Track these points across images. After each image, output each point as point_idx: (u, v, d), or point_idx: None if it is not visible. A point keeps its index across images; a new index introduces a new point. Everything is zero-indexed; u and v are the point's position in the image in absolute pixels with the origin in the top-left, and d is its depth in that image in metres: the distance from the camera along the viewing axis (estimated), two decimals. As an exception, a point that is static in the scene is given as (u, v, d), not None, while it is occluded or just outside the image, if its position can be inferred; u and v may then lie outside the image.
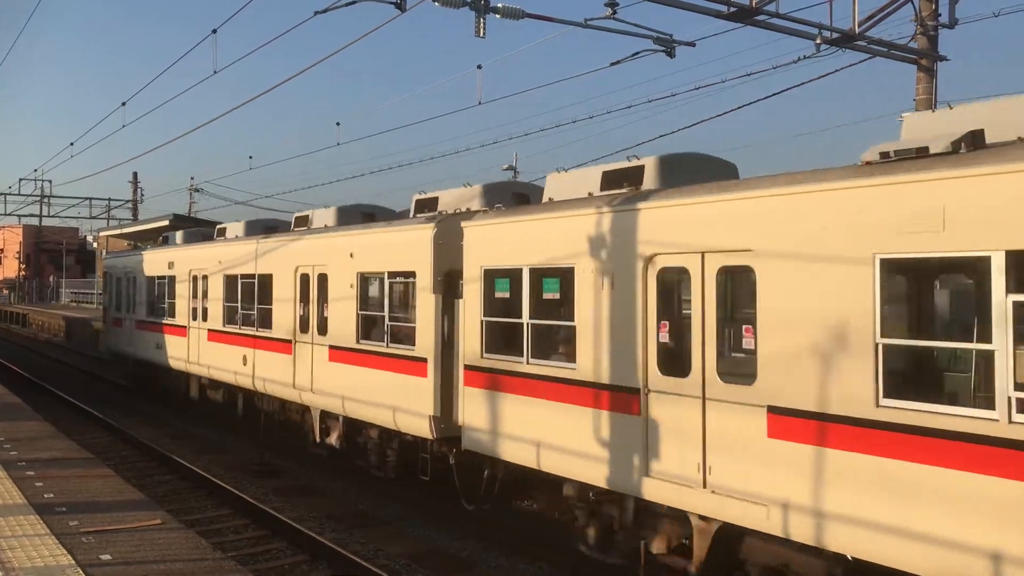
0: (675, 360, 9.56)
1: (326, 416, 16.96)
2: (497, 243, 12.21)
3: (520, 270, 11.75)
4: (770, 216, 8.55)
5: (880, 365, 7.47)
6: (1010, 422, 6.67)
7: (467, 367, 12.66)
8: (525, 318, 11.57)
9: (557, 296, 11.23)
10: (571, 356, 10.94)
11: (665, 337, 9.67)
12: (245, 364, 19.67)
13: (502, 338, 12.34)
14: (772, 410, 8.38)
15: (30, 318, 63.10)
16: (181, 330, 23.53)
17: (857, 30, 16.39)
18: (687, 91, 26.10)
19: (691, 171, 11.26)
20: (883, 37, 17.09)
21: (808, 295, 8.10)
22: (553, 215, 11.27)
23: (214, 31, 17.80)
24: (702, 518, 9.30)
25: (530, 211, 11.88)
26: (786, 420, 8.25)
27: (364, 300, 15.64)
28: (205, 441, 21.48)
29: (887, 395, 7.45)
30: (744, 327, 8.87)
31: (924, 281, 7.97)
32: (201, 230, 27.19)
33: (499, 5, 15.05)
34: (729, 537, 9.17)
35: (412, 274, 14.08)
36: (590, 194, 11.85)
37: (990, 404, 6.82)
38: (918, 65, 17.43)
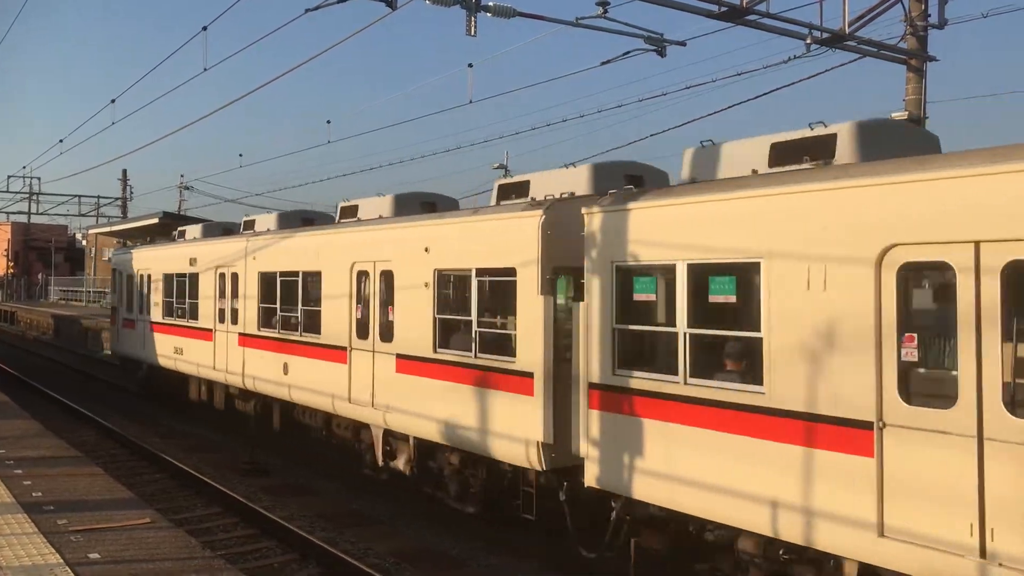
0: (929, 386, 7.26)
1: (391, 436, 14.61)
2: (637, 233, 9.88)
3: (672, 267, 9.44)
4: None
5: None
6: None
7: (593, 386, 10.34)
8: (681, 326, 9.25)
9: (732, 299, 8.92)
10: (751, 375, 8.65)
11: (911, 354, 7.36)
12: (286, 373, 17.29)
13: (644, 351, 10.05)
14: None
15: (18, 316, 62.87)
16: (205, 333, 21.13)
17: (847, 30, 16.36)
18: (677, 91, 26.55)
19: (894, 142, 9.00)
20: (873, 37, 17.10)
21: None
22: (726, 196, 8.94)
23: (204, 28, 17.66)
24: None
25: (687, 193, 9.53)
26: None
27: (442, 302, 13.31)
28: (195, 439, 21.08)
29: None
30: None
31: None
32: (222, 224, 24.82)
33: (490, 3, 14.65)
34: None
35: (510, 271, 11.74)
36: (754, 171, 9.56)
37: None
38: (908, 65, 17.41)
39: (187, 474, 16.70)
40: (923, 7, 17.21)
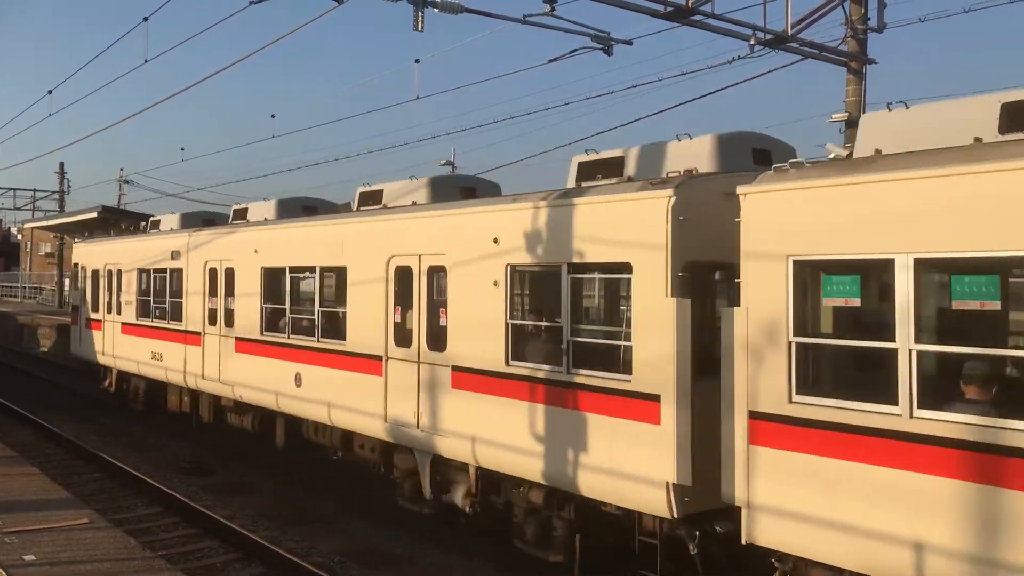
0: None
1: (442, 465, 12.18)
2: (831, 218, 7.60)
3: (887, 262, 7.17)
4: None
5: None
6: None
7: (757, 416, 8.05)
8: (904, 341, 6.99)
9: (996, 306, 6.69)
10: (1013, 407, 6.45)
11: None
12: (299, 385, 14.74)
13: (837, 372, 7.80)
14: None
15: (-52, 313, 58.76)
16: (192, 337, 18.42)
17: (790, 32, 16.49)
18: (624, 89, 26.29)
19: None
20: (815, 39, 17.35)
21: None
22: (993, 167, 6.66)
23: (145, 19, 16.93)
24: None
25: (917, 163, 7.22)
26: None
27: (516, 304, 10.92)
28: (135, 438, 20.62)
29: None
30: None
31: None
32: (201, 214, 22.11)
33: (437, -1, 14.21)
34: None
35: (621, 267, 9.40)
36: (977, 139, 7.36)
37: None
38: (848, 68, 17.64)
39: (127, 474, 16.30)
40: (863, 11, 17.42)
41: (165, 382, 19.95)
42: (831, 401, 7.54)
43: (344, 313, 13.83)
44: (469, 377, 11.35)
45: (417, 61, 21.44)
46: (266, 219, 17.33)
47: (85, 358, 24.88)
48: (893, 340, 7.06)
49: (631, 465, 9.18)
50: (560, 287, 10.12)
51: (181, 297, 18.98)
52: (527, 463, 10.44)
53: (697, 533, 8.99)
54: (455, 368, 11.60)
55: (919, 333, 6.95)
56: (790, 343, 7.81)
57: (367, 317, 13.24)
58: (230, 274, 17.15)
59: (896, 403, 7.05)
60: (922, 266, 6.95)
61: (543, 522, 10.81)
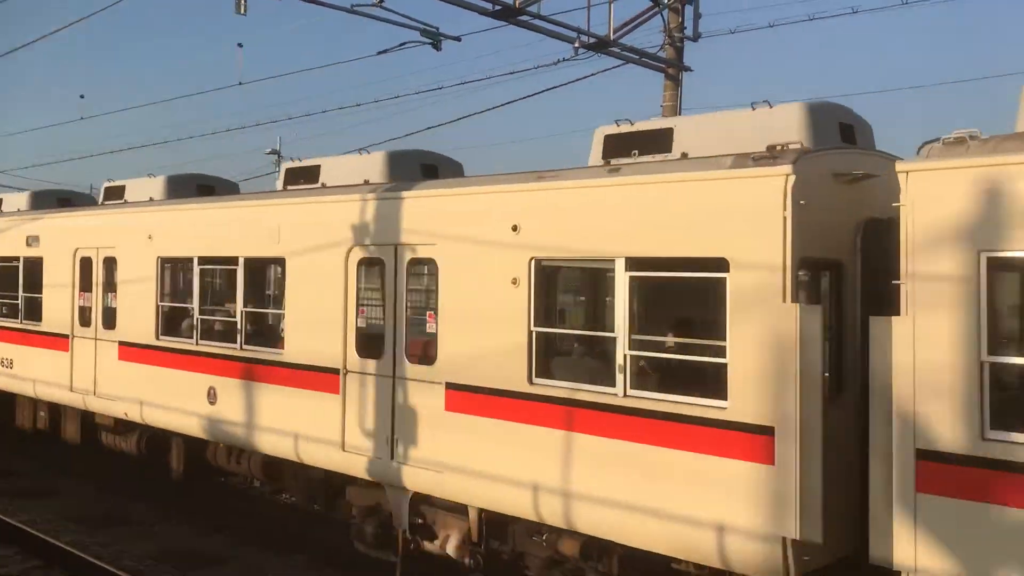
0: None
1: (425, 504, 9.85)
2: (1044, 205, 5.93)
3: None
4: None
5: None
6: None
7: (931, 457, 6.28)
8: None
9: None
10: None
11: None
12: (213, 402, 11.97)
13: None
14: None
15: None
16: (56, 341, 15.10)
17: (612, 37, 16.80)
18: (453, 85, 24.51)
19: None
20: (636, 45, 17.77)
21: None
22: None
23: None
24: None
25: None
26: None
27: (543, 309, 8.77)
28: None
29: None
30: None
31: None
32: (56, 192, 18.57)
33: (260, -20, 13.76)
34: None
35: (713, 264, 7.44)
36: None
37: None
38: (665, 74, 18.16)
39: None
40: (680, 20, 18.01)
41: (15, 394, 16.45)
42: (1044, 439, 5.87)
43: (281, 315, 11.22)
44: (472, 398, 9.10)
45: (240, 45, 22.19)
46: (152, 199, 14.32)
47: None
48: None
49: (728, 513, 7.24)
50: (614, 287, 8.07)
51: (39, 292, 15.58)
52: (557, 506, 8.33)
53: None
54: (451, 386, 9.32)
55: None
56: (983, 364, 6.09)
57: (314, 320, 10.72)
58: (111, 265, 14.04)
59: None
60: None
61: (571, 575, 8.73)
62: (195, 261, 12.42)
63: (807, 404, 6.86)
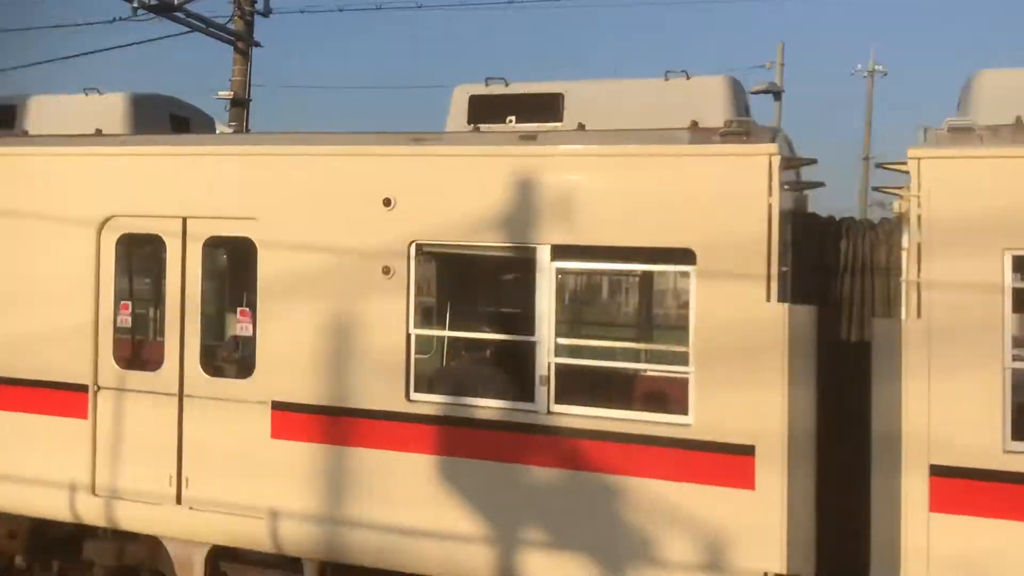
0: None
1: (228, 560, 7.51)
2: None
3: None
4: None
5: None
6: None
7: (946, 472, 5.73)
8: None
9: None
10: None
11: None
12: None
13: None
14: None
15: None
16: None
17: (176, 1, 16.25)
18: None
19: None
20: (204, 13, 17.21)
21: None
22: None
23: None
24: None
25: None
26: None
27: (425, 306, 7.01)
28: None
29: None
30: None
31: None
32: None
33: None
34: None
35: (674, 256, 6.30)
36: None
37: None
38: (235, 47, 17.81)
39: None
40: None
41: None
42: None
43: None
44: (317, 421, 7.04)
45: None
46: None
47: None
48: None
49: (680, 551, 6.18)
50: (532, 281, 6.59)
51: None
52: (438, 552, 6.68)
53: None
54: (281, 406, 7.14)
55: None
56: (1005, 370, 5.67)
57: (46, 319, 7.79)
58: None
59: None
60: None
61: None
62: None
63: (795, 419, 6.01)
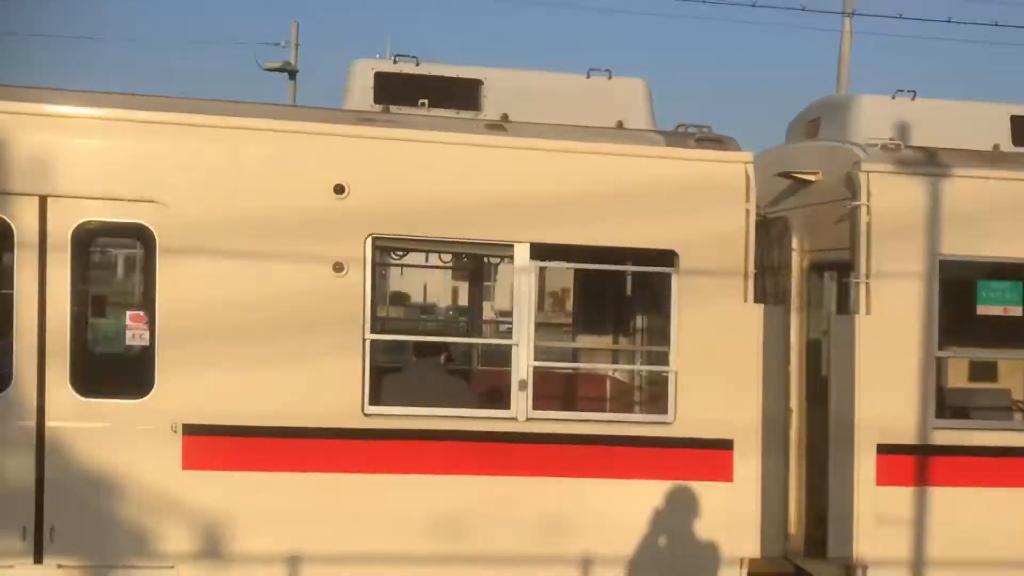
0: None
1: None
2: (985, 215, 6.64)
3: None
4: None
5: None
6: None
7: (890, 450, 6.49)
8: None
9: None
10: None
11: None
12: None
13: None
14: None
15: None
16: None
17: None
18: None
19: None
20: None
21: None
22: None
23: None
24: None
25: None
26: None
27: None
28: None
29: None
30: None
31: None
32: None
33: None
34: None
35: (656, 257, 6.30)
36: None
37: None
38: None
39: None
40: None
41: None
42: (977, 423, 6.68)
43: None
44: (247, 444, 5.93)
45: None
46: None
47: None
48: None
49: (666, 545, 6.30)
50: (513, 280, 6.19)
51: None
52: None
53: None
54: (195, 429, 5.89)
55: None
56: (934, 359, 6.58)
57: None
58: None
59: None
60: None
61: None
62: None
63: (796, 415, 6.44)
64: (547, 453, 6.20)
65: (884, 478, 6.49)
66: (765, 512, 6.41)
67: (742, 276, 6.33)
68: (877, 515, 6.45)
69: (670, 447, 6.31)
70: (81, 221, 5.86)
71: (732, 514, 6.33)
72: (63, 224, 5.82)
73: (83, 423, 5.83)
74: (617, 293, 8.38)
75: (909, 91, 7.51)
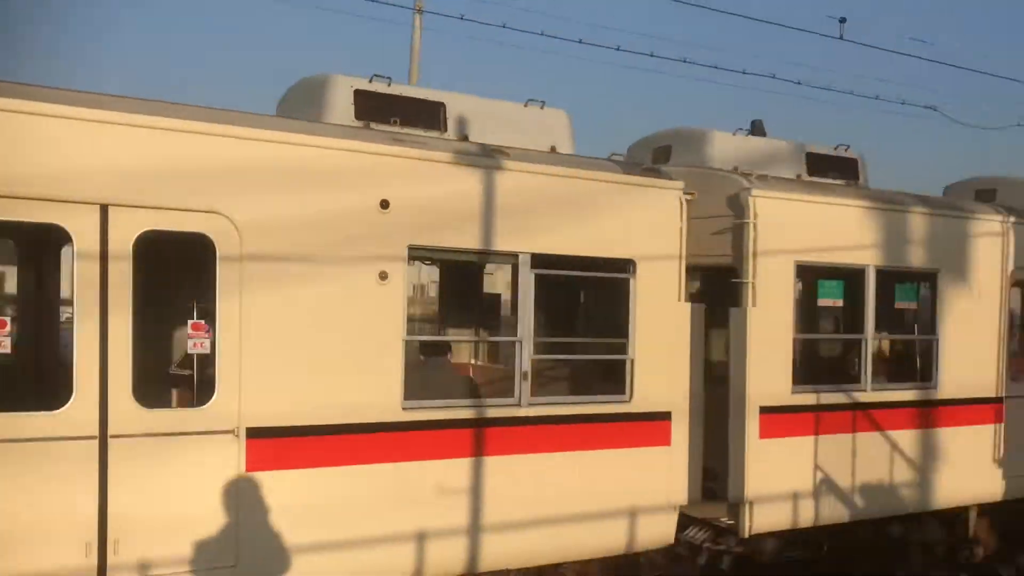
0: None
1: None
2: (822, 230, 8.79)
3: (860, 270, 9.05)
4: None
5: None
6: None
7: (767, 410, 8.44)
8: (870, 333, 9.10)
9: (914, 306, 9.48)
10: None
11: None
12: None
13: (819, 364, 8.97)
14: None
15: None
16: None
17: None
18: None
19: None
20: None
21: None
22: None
23: None
24: None
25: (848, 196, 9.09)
26: None
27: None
28: None
29: None
30: None
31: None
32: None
33: None
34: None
35: (621, 265, 7.59)
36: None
37: None
38: None
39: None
40: None
41: None
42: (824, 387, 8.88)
43: None
44: (305, 444, 6.29)
45: None
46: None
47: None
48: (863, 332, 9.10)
49: (627, 500, 7.69)
50: (516, 285, 7.15)
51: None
52: (454, 550, 6.88)
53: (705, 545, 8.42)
54: (258, 433, 6.13)
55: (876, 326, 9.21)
56: (794, 340, 8.65)
57: None
58: None
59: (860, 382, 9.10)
60: (881, 273, 9.19)
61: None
62: None
63: (696, 389, 8.05)
64: (543, 432, 7.28)
65: (765, 433, 8.43)
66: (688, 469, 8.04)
67: (677, 279, 7.87)
68: (759, 461, 8.37)
69: (629, 421, 7.69)
70: (143, 230, 5.82)
71: (669, 471, 7.89)
72: (125, 233, 5.75)
73: (146, 434, 5.83)
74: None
75: (743, 129, 9.57)
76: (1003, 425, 10.00)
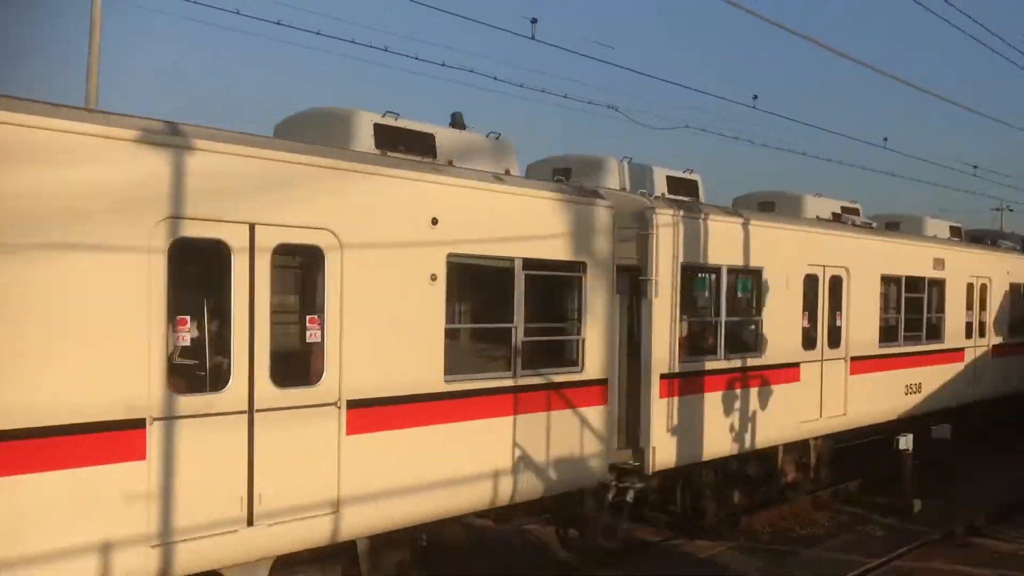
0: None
1: (279, 570, 7.35)
2: (697, 239, 11.46)
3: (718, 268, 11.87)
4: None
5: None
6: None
7: (665, 376, 11.00)
8: (721, 316, 11.97)
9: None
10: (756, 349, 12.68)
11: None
12: None
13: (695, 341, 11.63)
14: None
15: None
16: None
17: None
18: None
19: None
20: None
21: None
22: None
23: None
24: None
25: (724, 214, 11.90)
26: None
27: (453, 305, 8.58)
28: None
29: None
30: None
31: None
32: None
33: None
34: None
35: (576, 266, 9.76)
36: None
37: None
38: None
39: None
40: None
41: None
42: (697, 358, 11.59)
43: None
44: (382, 412, 7.93)
45: None
46: None
47: None
48: (718, 315, 11.95)
49: (582, 448, 9.92)
50: (511, 283, 9.12)
51: None
52: (483, 488, 8.80)
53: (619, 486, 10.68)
54: (355, 404, 7.70)
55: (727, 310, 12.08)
56: (682, 321, 11.29)
57: (56, 343, 6.12)
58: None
59: (717, 353, 11.96)
60: (730, 271, 12.06)
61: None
62: None
63: (622, 361, 10.44)
64: (529, 397, 9.33)
65: (663, 394, 10.99)
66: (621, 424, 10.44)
67: (611, 276, 10.19)
68: (660, 415, 10.93)
69: (581, 387, 9.92)
70: (278, 243, 7.21)
71: (606, 427, 10.22)
72: (267, 245, 7.13)
73: (280, 407, 7.24)
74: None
75: (627, 157, 12.10)
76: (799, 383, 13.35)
